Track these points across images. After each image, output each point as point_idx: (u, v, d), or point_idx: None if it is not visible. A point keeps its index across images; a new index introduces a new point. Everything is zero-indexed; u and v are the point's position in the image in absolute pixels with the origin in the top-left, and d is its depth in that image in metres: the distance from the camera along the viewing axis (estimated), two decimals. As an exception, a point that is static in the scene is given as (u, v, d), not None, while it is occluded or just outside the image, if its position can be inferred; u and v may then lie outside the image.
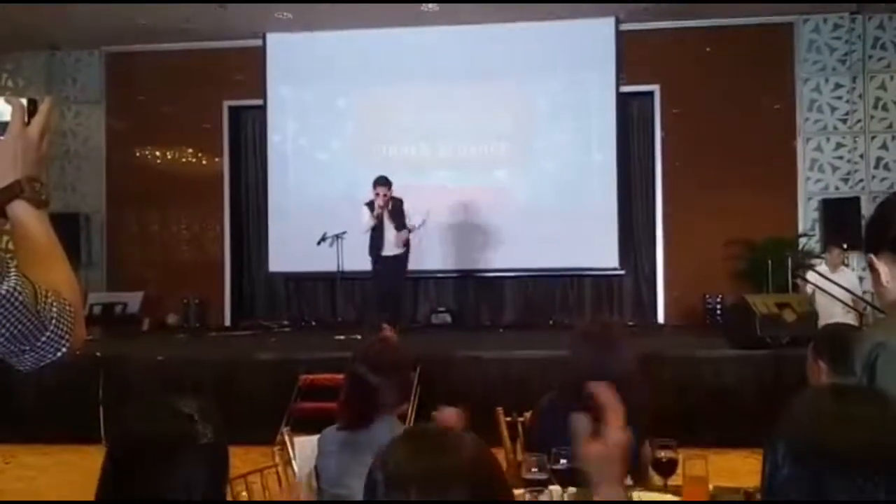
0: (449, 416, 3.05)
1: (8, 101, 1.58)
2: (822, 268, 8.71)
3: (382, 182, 8.87)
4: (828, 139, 10.64)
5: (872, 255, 1.80)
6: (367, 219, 8.86)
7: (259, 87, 11.35)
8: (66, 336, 1.41)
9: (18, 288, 1.33)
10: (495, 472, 1.32)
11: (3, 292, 1.31)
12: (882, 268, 1.78)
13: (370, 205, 8.89)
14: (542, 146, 10.99)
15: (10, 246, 1.54)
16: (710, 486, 2.75)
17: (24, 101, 1.59)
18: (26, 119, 1.57)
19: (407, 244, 9.06)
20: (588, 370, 3.20)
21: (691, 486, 2.72)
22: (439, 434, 1.32)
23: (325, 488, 2.88)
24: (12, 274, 1.33)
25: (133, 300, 10.80)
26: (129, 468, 1.65)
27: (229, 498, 2.85)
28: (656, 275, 11.02)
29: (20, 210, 1.53)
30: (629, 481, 3.07)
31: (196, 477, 1.66)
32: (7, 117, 1.57)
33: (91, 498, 1.65)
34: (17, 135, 1.54)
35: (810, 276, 8.62)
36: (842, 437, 1.11)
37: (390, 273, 9.03)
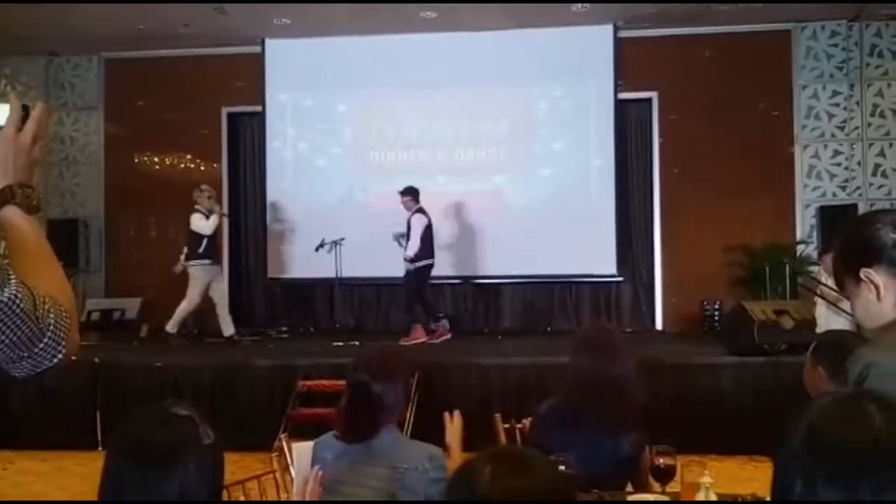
0: (455, 425, 3.02)
1: (6, 101, 1.58)
2: (821, 277, 8.72)
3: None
4: (825, 146, 10.65)
5: (868, 269, 1.82)
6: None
7: (258, 93, 11.37)
8: (63, 342, 1.41)
9: (19, 295, 1.33)
10: (570, 492, 1.50)
11: (5, 299, 1.31)
12: (880, 281, 1.81)
13: None
14: (540, 152, 11.00)
15: (4, 251, 1.54)
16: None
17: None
18: (20, 124, 1.56)
19: (412, 259, 9.16)
20: (588, 375, 3.21)
21: (689, 492, 2.72)
22: (522, 456, 1.43)
23: (321, 495, 2.86)
24: (13, 281, 1.33)
25: (131, 306, 10.82)
26: (136, 472, 1.66)
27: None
28: (654, 281, 11.02)
29: (12, 215, 1.53)
30: (629, 487, 3.08)
31: (201, 477, 1.69)
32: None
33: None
34: (9, 140, 1.54)
35: (811, 284, 8.64)
36: (879, 445, 1.12)
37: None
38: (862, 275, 1.84)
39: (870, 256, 1.84)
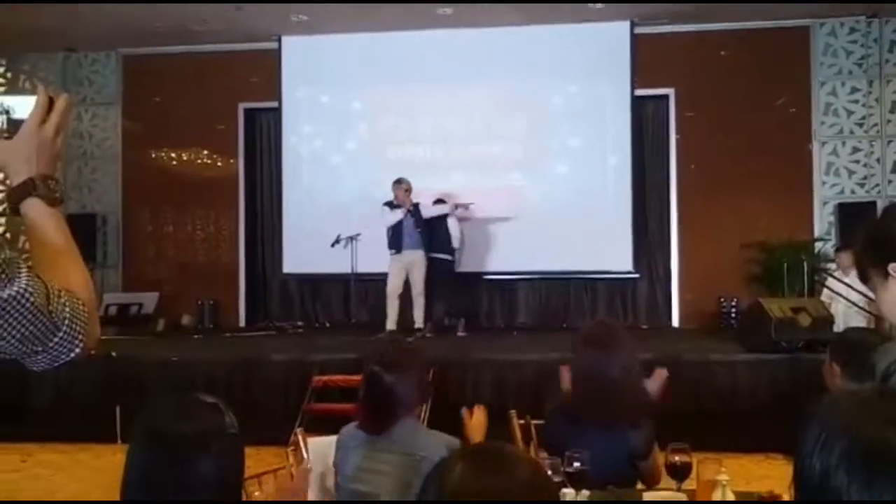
0: (478, 418, 3.07)
1: (29, 94, 1.57)
2: (837, 273, 8.74)
3: None
4: (844, 143, 10.58)
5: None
6: None
7: (274, 89, 11.39)
8: (80, 336, 1.39)
9: (30, 289, 1.31)
10: (551, 494, 1.37)
11: (14, 293, 1.29)
12: None
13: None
14: (556, 149, 10.97)
15: (27, 245, 1.53)
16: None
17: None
18: (45, 117, 1.56)
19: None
20: (591, 372, 3.21)
21: (705, 490, 2.71)
22: (498, 454, 1.32)
23: (342, 484, 2.90)
24: (23, 275, 1.31)
25: (148, 301, 10.86)
26: (163, 457, 1.67)
27: (243, 495, 2.87)
28: (671, 278, 10.98)
29: (34, 208, 1.51)
30: (640, 485, 3.07)
31: (227, 465, 1.70)
32: (20, 114, 1.56)
33: (107, 494, 1.67)
34: (32, 132, 1.53)
35: (830, 282, 8.63)
36: None
37: None
38: (891, 270, 1.79)
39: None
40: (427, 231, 9.44)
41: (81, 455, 7.04)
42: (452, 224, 9.88)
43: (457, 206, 9.93)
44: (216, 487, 1.67)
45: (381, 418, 2.84)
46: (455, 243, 9.94)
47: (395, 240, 9.30)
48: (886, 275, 1.81)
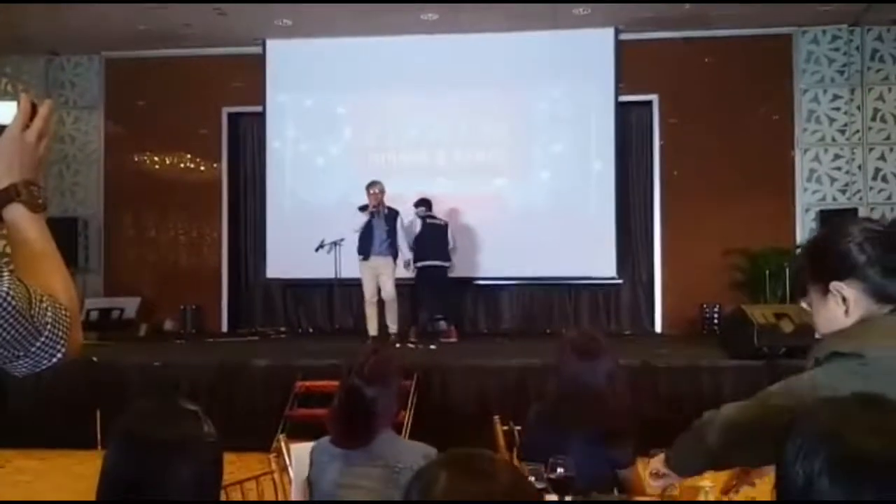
0: None
1: (11, 99, 1.56)
2: None
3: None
4: (826, 150, 10.65)
5: (840, 283, 1.79)
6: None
7: (258, 93, 11.36)
8: (62, 341, 1.39)
9: (11, 293, 1.30)
10: (533, 500, 1.37)
11: None
12: (851, 295, 1.78)
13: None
14: (540, 154, 11.00)
15: (8, 250, 1.52)
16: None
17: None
18: (28, 122, 1.54)
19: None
20: (573, 381, 3.22)
21: (688, 497, 2.71)
22: (481, 460, 1.31)
23: (319, 500, 2.85)
24: (5, 279, 1.31)
25: (130, 305, 10.80)
26: (139, 464, 1.65)
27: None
28: (654, 284, 11.02)
29: (17, 214, 1.51)
30: (615, 492, 3.07)
31: (204, 473, 1.68)
32: (0, 120, 1.55)
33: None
34: (14, 138, 1.52)
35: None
36: (881, 447, 1.11)
37: None
38: (832, 288, 1.80)
39: (842, 271, 1.79)
40: (429, 238, 9.46)
41: (61, 461, 6.98)
42: (448, 231, 9.86)
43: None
44: (192, 495, 1.65)
45: (360, 432, 2.78)
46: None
47: (364, 245, 9.21)
48: (825, 291, 1.82)
